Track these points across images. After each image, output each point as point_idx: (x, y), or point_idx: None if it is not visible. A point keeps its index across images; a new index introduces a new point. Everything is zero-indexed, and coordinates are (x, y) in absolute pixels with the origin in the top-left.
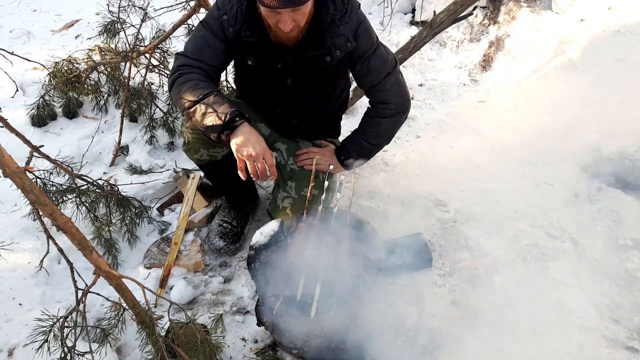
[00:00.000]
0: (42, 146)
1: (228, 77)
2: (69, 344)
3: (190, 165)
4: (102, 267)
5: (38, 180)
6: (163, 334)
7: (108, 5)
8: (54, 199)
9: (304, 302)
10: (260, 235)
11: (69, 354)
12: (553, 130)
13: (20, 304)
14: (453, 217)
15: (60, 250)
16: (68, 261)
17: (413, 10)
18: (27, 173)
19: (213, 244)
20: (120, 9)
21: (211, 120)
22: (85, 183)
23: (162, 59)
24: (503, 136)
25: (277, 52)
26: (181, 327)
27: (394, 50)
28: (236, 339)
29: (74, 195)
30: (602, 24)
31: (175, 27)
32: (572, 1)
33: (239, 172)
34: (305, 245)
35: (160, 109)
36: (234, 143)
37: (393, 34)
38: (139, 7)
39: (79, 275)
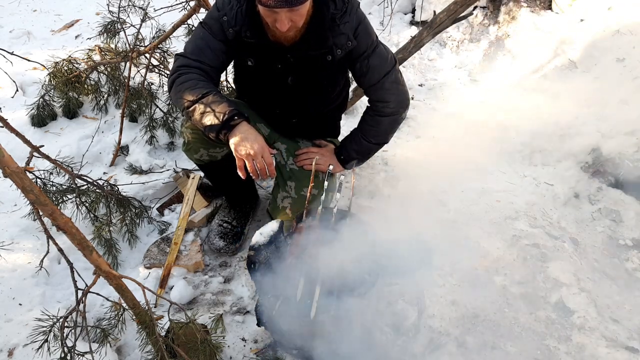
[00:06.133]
0: (42, 146)
1: (228, 77)
2: (69, 344)
3: (190, 165)
4: (102, 267)
5: (38, 180)
6: (163, 334)
7: (108, 5)
8: (54, 199)
9: (304, 302)
10: (260, 235)
11: (69, 354)
12: (553, 130)
13: (20, 304)
14: (453, 217)
15: (60, 250)
16: (68, 261)
17: (413, 10)
18: (27, 173)
19: (213, 244)
20: (120, 9)
21: (209, 119)
22: (85, 183)
23: (162, 59)
24: (503, 136)
25: (278, 52)
26: (181, 327)
27: (394, 50)
28: (236, 339)
29: (74, 195)
30: (602, 24)
31: (175, 27)
32: (572, 1)
33: (238, 171)
34: (304, 246)
35: (160, 109)
36: (233, 142)
37: (393, 34)
38: (139, 7)
39: (79, 275)
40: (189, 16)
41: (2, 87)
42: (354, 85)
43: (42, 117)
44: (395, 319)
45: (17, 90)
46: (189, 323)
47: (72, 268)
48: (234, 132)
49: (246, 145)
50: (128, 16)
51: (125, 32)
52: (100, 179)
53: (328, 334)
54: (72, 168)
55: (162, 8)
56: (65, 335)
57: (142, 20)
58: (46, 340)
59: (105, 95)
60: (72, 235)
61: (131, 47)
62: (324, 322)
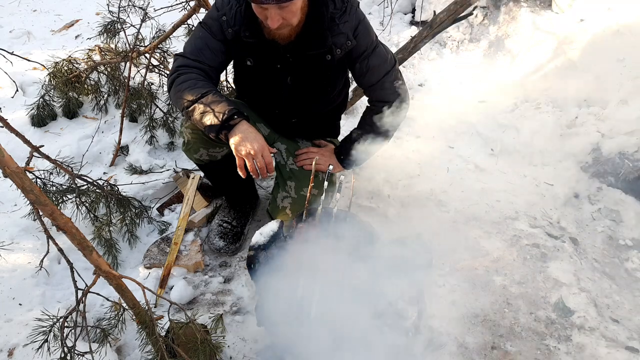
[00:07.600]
0: (42, 146)
1: (228, 77)
2: (69, 344)
3: (190, 165)
4: (102, 267)
5: (38, 180)
6: (163, 334)
7: (108, 5)
8: (54, 199)
9: (304, 302)
10: (260, 235)
11: (69, 354)
12: (553, 130)
13: (20, 304)
14: (453, 217)
15: (60, 250)
16: (68, 261)
17: (413, 10)
18: (27, 173)
19: (213, 244)
20: (120, 9)
21: (209, 119)
22: (85, 183)
23: (162, 59)
24: (503, 136)
25: (277, 52)
26: (181, 327)
27: (394, 50)
28: (236, 339)
29: (74, 195)
30: (602, 24)
31: (175, 27)
32: (572, 1)
33: (238, 170)
34: (304, 246)
35: (160, 109)
36: (233, 141)
37: (393, 34)
38: (139, 7)
39: (79, 275)
40: (189, 16)
41: (2, 87)
42: (354, 85)
43: (42, 117)
44: (395, 319)
45: (17, 90)
46: (189, 323)
47: (72, 268)
48: (234, 132)
49: (246, 144)
50: (128, 16)
51: (125, 32)
52: (100, 179)
53: (327, 334)
54: (72, 168)
55: (162, 8)
56: (65, 335)
57: (142, 20)
58: (46, 340)
59: (105, 95)
60: (72, 235)
61: (131, 47)
62: (324, 322)
